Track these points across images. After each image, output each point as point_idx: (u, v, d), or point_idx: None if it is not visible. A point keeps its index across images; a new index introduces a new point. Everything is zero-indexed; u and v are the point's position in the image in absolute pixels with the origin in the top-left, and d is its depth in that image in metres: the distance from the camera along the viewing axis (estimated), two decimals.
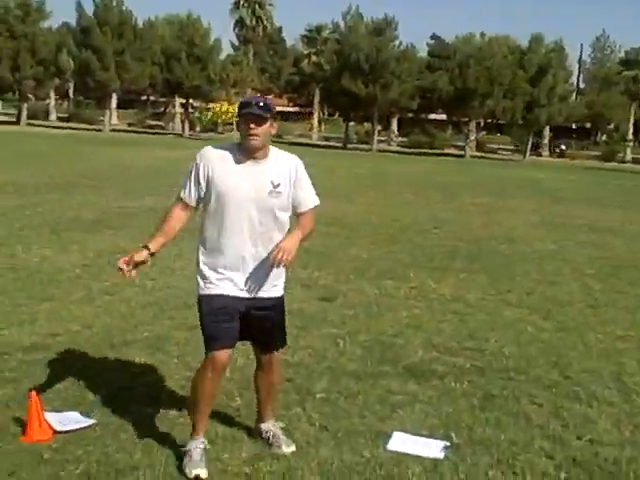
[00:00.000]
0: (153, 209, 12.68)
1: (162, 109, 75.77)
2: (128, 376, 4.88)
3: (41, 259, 8.32)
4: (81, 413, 4.25)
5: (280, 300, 3.89)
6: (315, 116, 62.84)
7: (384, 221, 13.10)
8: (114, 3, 54.01)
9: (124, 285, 7.29)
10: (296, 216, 3.83)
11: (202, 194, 3.72)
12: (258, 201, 3.66)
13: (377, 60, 46.73)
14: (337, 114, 65.18)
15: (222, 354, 3.70)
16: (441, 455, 3.95)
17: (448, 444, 4.09)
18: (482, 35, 52.47)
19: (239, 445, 3.95)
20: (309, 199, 3.82)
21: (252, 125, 3.58)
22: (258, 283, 3.75)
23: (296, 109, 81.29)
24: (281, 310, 3.94)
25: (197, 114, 62.10)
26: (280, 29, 75.53)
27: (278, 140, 56.49)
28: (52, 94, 70.64)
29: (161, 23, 57.91)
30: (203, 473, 3.60)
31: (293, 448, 3.90)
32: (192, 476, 3.57)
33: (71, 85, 69.32)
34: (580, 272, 9.33)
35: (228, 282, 3.71)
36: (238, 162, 3.67)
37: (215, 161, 3.70)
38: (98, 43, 51.58)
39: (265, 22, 70.89)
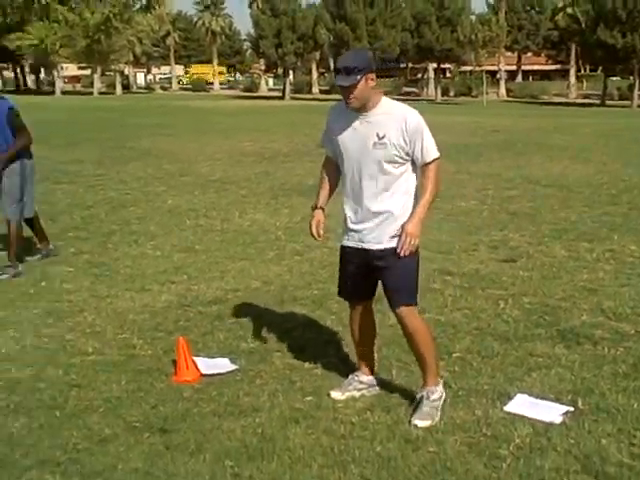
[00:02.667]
0: None
1: (419, 76, 76.27)
2: (283, 329, 5.23)
3: (251, 222, 9.03)
4: (230, 360, 4.69)
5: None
6: (572, 73, 59.51)
7: (610, 181, 12.29)
8: None
9: (315, 247, 7.72)
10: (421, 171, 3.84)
11: (334, 145, 3.90)
12: (365, 153, 3.74)
13: (635, 5, 42.80)
14: (600, 69, 61.19)
15: (351, 304, 4.13)
16: (558, 420, 3.83)
17: (571, 409, 3.94)
18: None
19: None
20: (425, 153, 3.72)
21: (344, 92, 3.65)
22: (372, 235, 3.82)
23: (557, 67, 77.64)
24: (402, 264, 3.78)
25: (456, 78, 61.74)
26: None
27: (533, 101, 54.62)
28: (314, 68, 74.07)
29: None
30: (335, 394, 4.10)
31: (424, 424, 3.74)
32: (329, 393, 4.13)
33: (332, 58, 72.09)
34: None
35: (351, 233, 3.91)
36: (350, 115, 3.76)
37: (334, 115, 3.90)
38: (350, 14, 53.19)
39: None
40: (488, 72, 60.71)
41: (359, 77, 3.60)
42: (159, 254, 7.41)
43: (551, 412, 3.92)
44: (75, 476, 3.37)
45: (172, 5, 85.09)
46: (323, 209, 4.05)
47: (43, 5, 62.36)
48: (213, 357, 4.74)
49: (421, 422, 3.76)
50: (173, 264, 7.03)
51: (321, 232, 4.03)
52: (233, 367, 4.59)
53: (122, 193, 11.14)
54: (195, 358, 4.58)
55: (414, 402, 3.96)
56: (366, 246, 3.86)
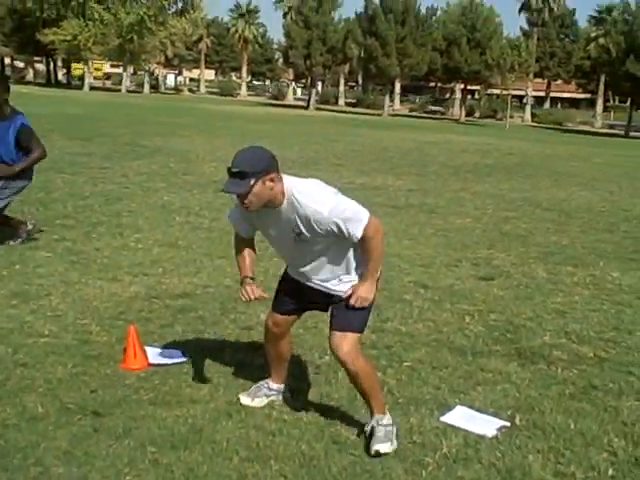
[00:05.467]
0: (378, 188, 13.04)
1: (447, 96, 76.38)
2: (244, 327, 5.24)
3: None
4: (183, 352, 4.69)
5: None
6: (599, 102, 59.21)
7: (611, 210, 12.21)
8: None
9: None
10: None
11: (251, 227, 3.69)
12: (289, 244, 3.54)
13: None
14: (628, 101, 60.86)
15: (274, 318, 3.94)
16: (491, 433, 3.80)
17: (507, 424, 3.91)
18: None
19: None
20: (349, 235, 3.40)
21: (238, 197, 3.35)
22: (317, 288, 3.69)
23: (586, 96, 77.26)
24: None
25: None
26: (573, 11, 71.84)
27: (559, 128, 54.36)
28: (342, 80, 74.39)
29: (443, 9, 58.51)
30: (244, 400, 4.02)
31: (386, 447, 3.50)
32: (237, 398, 4.04)
33: (360, 72, 72.39)
34: None
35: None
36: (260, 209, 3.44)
37: None
38: (382, 30, 53.44)
39: (552, 4, 67.45)
40: (516, 97, 60.56)
41: (252, 182, 3.27)
42: (140, 247, 7.45)
43: (486, 426, 3.89)
44: None
45: (207, 11, 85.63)
46: (253, 278, 3.70)
47: (80, 3, 63.04)
48: (166, 348, 4.75)
49: (382, 446, 3.50)
50: (151, 257, 7.06)
51: (258, 293, 3.64)
52: (182, 359, 4.59)
53: (121, 187, 11.21)
54: (146, 347, 4.60)
55: (365, 433, 3.68)
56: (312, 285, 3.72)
